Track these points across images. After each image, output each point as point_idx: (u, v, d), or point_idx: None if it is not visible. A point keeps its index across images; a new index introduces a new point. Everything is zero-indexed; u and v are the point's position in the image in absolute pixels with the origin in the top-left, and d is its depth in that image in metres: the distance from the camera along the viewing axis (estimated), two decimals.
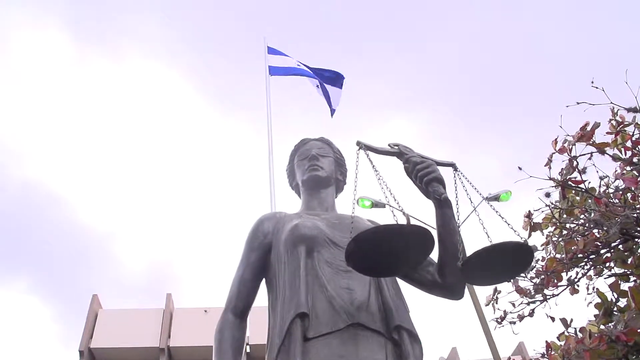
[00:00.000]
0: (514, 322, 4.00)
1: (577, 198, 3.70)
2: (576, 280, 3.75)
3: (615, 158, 3.42)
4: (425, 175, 1.82)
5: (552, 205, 3.73)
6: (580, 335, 3.31)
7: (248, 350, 17.97)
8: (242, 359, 1.90)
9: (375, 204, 10.46)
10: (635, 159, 3.35)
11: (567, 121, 3.52)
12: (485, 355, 9.26)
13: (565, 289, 3.77)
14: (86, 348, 18.54)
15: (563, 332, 3.52)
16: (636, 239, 3.39)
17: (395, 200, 1.73)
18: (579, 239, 3.57)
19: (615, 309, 3.39)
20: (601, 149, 3.38)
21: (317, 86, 8.71)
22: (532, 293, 3.89)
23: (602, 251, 3.59)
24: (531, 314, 3.93)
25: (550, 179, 3.59)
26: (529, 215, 3.83)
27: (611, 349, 3.03)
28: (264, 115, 7.33)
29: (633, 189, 3.35)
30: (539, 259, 3.92)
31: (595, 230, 3.55)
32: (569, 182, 3.56)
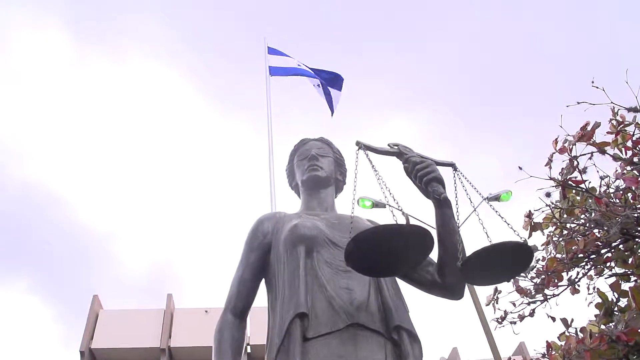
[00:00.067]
0: (515, 322, 3.99)
1: (578, 198, 3.70)
2: (577, 280, 3.75)
3: (615, 158, 3.42)
4: (424, 175, 1.82)
5: (553, 205, 3.73)
6: (580, 335, 3.30)
7: (249, 350, 17.98)
8: (243, 359, 1.90)
9: (376, 204, 10.46)
10: (635, 159, 3.35)
11: (568, 121, 3.52)
12: (486, 355, 9.25)
13: (565, 288, 3.77)
14: (87, 348, 18.55)
15: (564, 332, 3.52)
16: (637, 239, 3.39)
17: (394, 200, 1.73)
18: (580, 238, 3.57)
19: (615, 309, 3.39)
20: (602, 148, 3.37)
21: (318, 85, 8.71)
22: (533, 293, 3.89)
23: (603, 251, 3.58)
24: (532, 314, 3.92)
25: (551, 178, 3.59)
26: (529, 215, 3.83)
27: (612, 349, 3.03)
28: (264, 116, 7.33)
29: (634, 188, 3.35)
30: (539, 259, 3.92)
31: (595, 230, 3.54)
32: (570, 182, 3.56)
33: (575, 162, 3.45)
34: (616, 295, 3.42)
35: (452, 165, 1.96)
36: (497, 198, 10.23)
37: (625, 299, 3.35)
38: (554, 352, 3.45)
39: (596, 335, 3.06)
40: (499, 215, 1.80)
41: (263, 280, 2.07)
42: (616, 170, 3.53)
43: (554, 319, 3.73)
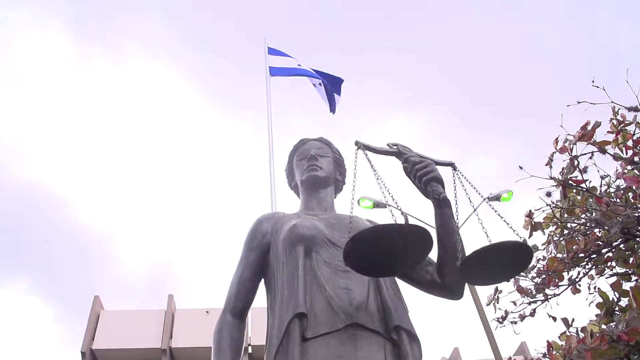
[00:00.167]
0: (515, 322, 3.99)
1: (578, 197, 3.69)
2: (577, 279, 3.74)
3: (616, 157, 3.41)
4: (424, 174, 1.82)
5: (553, 205, 3.73)
6: (581, 335, 3.30)
7: (250, 351, 17.99)
8: (244, 359, 1.90)
9: (377, 204, 10.45)
10: (636, 158, 3.34)
11: (568, 120, 3.52)
12: (488, 355, 9.25)
13: (566, 288, 3.76)
14: (88, 349, 18.55)
15: (564, 332, 3.51)
16: (637, 239, 3.38)
17: (393, 200, 1.72)
18: (580, 238, 3.57)
19: (616, 308, 3.38)
20: (602, 148, 3.37)
21: (320, 84, 8.73)
22: (534, 293, 3.88)
23: (604, 251, 3.58)
24: (532, 313, 3.92)
25: (551, 178, 3.59)
26: (529, 215, 3.82)
27: (612, 348, 3.02)
28: (264, 116, 7.33)
29: (634, 188, 3.34)
30: (540, 259, 3.91)
31: (596, 230, 3.54)
32: (570, 182, 3.55)
33: (576, 162, 3.45)
34: (617, 295, 3.41)
35: (451, 164, 1.96)
36: (497, 198, 10.22)
37: (626, 299, 3.35)
38: (554, 352, 3.45)
39: (597, 335, 3.06)
40: (499, 215, 1.80)
41: (262, 280, 2.07)
42: (617, 170, 3.53)
43: (554, 319, 3.73)
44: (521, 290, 3.90)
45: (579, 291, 3.76)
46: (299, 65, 8.78)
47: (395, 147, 1.94)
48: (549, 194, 3.72)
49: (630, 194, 3.47)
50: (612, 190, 3.60)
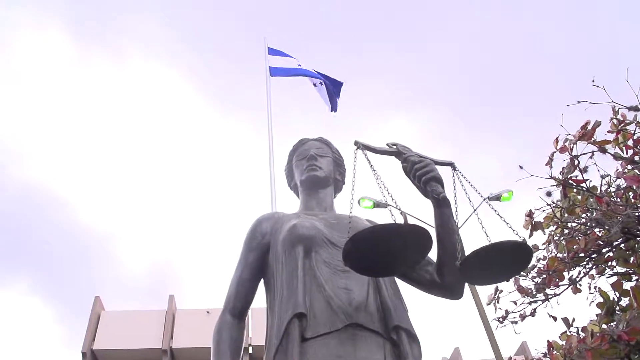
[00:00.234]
0: (516, 322, 3.98)
1: (579, 197, 3.69)
2: (578, 279, 3.74)
3: (616, 157, 3.41)
4: (423, 174, 1.81)
5: (554, 205, 3.72)
6: (582, 334, 3.30)
7: (250, 351, 18.00)
8: (244, 359, 1.90)
9: (377, 205, 10.45)
10: (636, 158, 3.34)
11: (568, 120, 3.51)
12: (488, 355, 9.24)
13: (567, 288, 3.76)
14: (89, 350, 18.55)
15: (565, 332, 3.51)
16: (638, 238, 3.38)
17: (392, 199, 1.72)
18: (581, 238, 3.56)
19: (617, 308, 3.38)
20: (602, 147, 3.36)
21: (321, 83, 8.74)
22: (534, 292, 3.88)
23: (604, 250, 3.57)
24: (533, 313, 3.91)
25: (552, 178, 3.58)
26: (530, 215, 3.82)
27: (613, 348, 3.02)
28: (264, 116, 7.34)
29: (635, 187, 3.34)
30: (540, 258, 3.91)
31: (597, 229, 3.53)
32: (570, 181, 3.55)
33: (576, 161, 3.44)
34: (617, 295, 3.41)
35: (451, 164, 1.96)
36: (498, 198, 10.21)
37: (627, 299, 3.34)
38: (555, 352, 3.44)
39: (597, 334, 3.05)
40: (498, 214, 1.79)
41: (262, 280, 2.07)
42: (617, 169, 3.53)
43: (555, 319, 3.73)
44: (521, 290, 3.89)
45: (579, 291, 3.76)
46: (299, 65, 8.79)
47: (394, 146, 1.94)
48: (549, 194, 3.71)
49: (630, 193, 3.47)
50: (612, 189, 3.60)
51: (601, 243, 3.52)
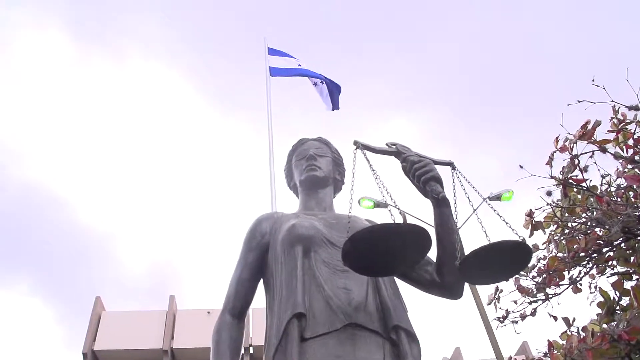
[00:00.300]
0: (516, 322, 3.98)
1: (579, 196, 3.69)
2: (578, 279, 3.73)
3: (616, 156, 3.40)
4: (423, 174, 1.81)
5: (554, 204, 3.72)
6: (582, 334, 3.29)
7: (251, 351, 18.00)
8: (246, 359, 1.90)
9: (378, 204, 10.44)
10: (636, 157, 3.33)
11: (568, 120, 3.51)
12: (489, 355, 9.23)
13: (567, 287, 3.76)
14: (89, 350, 18.56)
15: (565, 331, 3.51)
16: (638, 238, 3.37)
17: (392, 199, 1.72)
18: (581, 237, 3.56)
19: (617, 307, 3.38)
20: (602, 147, 3.36)
21: (322, 82, 8.75)
22: (534, 292, 3.88)
23: (604, 250, 3.57)
24: (533, 313, 3.91)
25: (552, 177, 3.58)
26: (530, 214, 3.81)
27: (613, 348, 3.01)
28: (265, 116, 7.33)
29: (635, 187, 3.34)
30: (540, 258, 3.91)
31: (597, 229, 3.53)
32: (571, 181, 3.55)
33: (576, 161, 3.44)
34: (618, 294, 3.40)
35: (450, 164, 1.95)
36: (498, 197, 10.20)
37: (627, 298, 3.34)
38: (555, 352, 3.44)
39: (598, 334, 3.05)
40: (498, 214, 1.79)
41: (262, 280, 2.07)
42: (617, 169, 3.52)
43: (555, 318, 3.72)
44: (522, 290, 3.89)
45: (580, 290, 3.75)
46: (299, 65, 8.80)
47: (394, 146, 1.94)
48: (549, 193, 3.71)
49: (631, 192, 3.46)
50: (612, 189, 3.60)
51: (601, 242, 3.51)
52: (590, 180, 3.52)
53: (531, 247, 2.90)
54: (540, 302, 3.88)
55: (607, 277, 3.69)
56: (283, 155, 2.56)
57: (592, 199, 3.54)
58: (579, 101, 3.44)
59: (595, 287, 3.65)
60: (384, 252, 1.51)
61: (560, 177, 3.56)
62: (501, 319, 4.05)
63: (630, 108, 3.34)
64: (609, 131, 3.43)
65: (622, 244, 3.48)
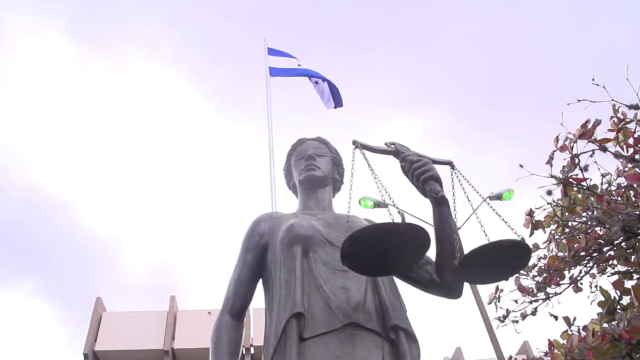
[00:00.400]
0: (517, 321, 3.98)
1: (579, 196, 3.68)
2: (579, 278, 3.73)
3: (617, 155, 3.40)
4: (422, 173, 1.81)
5: (554, 203, 3.71)
6: (583, 333, 3.29)
7: (252, 352, 18.00)
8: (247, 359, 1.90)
9: (378, 204, 10.44)
10: (637, 156, 3.33)
11: (568, 119, 3.51)
12: (490, 354, 9.23)
13: (567, 287, 3.75)
14: (90, 351, 18.57)
15: (566, 331, 3.50)
16: (639, 237, 3.37)
17: (390, 198, 1.71)
18: (581, 236, 3.56)
19: (618, 307, 3.37)
20: (603, 146, 3.35)
21: (323, 81, 8.75)
22: (535, 291, 3.87)
23: (605, 249, 3.57)
24: (534, 312, 3.91)
25: (552, 176, 3.57)
26: (530, 214, 3.81)
27: (614, 347, 3.01)
28: (265, 116, 7.33)
29: (635, 186, 3.33)
30: (541, 257, 3.90)
31: (597, 228, 3.52)
32: (571, 180, 3.54)
33: (577, 160, 3.43)
34: (619, 294, 3.40)
35: (449, 163, 1.95)
36: (499, 197, 10.20)
37: (628, 297, 3.34)
38: (556, 351, 3.43)
39: (599, 333, 3.05)
40: (497, 213, 1.79)
41: (261, 280, 2.06)
42: (617, 168, 3.52)
43: (556, 318, 3.72)
44: (522, 289, 3.89)
45: (580, 290, 3.75)
46: (299, 65, 8.80)
47: (392, 146, 1.93)
48: (549, 193, 3.70)
49: (631, 192, 3.46)
50: (613, 188, 3.59)
51: (602, 242, 3.51)
52: (591, 180, 3.51)
53: (530, 246, 2.90)
54: (540, 301, 3.88)
55: (608, 276, 3.69)
56: (283, 156, 2.56)
57: (592, 198, 3.53)
58: (579, 100, 3.43)
59: (596, 286, 3.65)
60: (383, 251, 1.51)
61: (561, 176, 3.56)
62: (502, 319, 4.05)
63: (630, 107, 3.33)
64: (609, 130, 3.42)
65: (623, 243, 3.48)
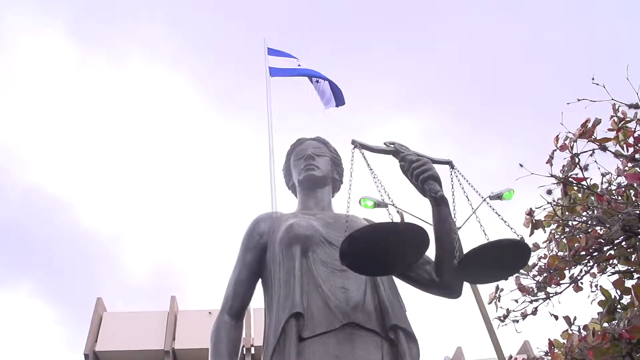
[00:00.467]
0: (517, 321, 3.98)
1: (579, 195, 3.68)
2: (579, 277, 3.73)
3: (617, 154, 3.40)
4: (421, 173, 1.81)
5: (554, 203, 3.71)
6: (583, 333, 3.29)
7: (253, 352, 18.01)
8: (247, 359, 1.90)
9: (378, 204, 10.44)
10: (637, 155, 3.32)
11: (568, 118, 3.50)
12: (491, 354, 9.23)
13: (568, 286, 3.75)
14: (91, 351, 18.57)
15: (566, 330, 3.50)
16: (639, 236, 3.37)
17: (389, 198, 1.71)
18: (582, 236, 3.55)
19: (618, 306, 3.37)
20: (603, 145, 3.35)
21: (324, 79, 8.75)
22: (535, 291, 3.87)
23: (605, 248, 3.56)
24: (534, 312, 3.91)
25: (552, 176, 3.57)
26: (530, 213, 3.81)
27: (614, 346, 3.01)
28: (265, 116, 7.34)
29: (635, 185, 3.33)
30: (541, 257, 3.90)
31: (597, 228, 3.52)
32: (571, 179, 3.54)
33: (577, 159, 3.43)
34: (619, 293, 3.40)
35: (448, 163, 1.95)
36: (499, 197, 10.20)
37: (628, 297, 3.34)
38: (556, 350, 3.43)
39: (599, 333, 3.05)
40: (496, 212, 1.78)
41: (260, 280, 2.06)
42: (618, 167, 3.52)
43: (556, 317, 3.72)
44: (523, 289, 3.89)
45: (580, 289, 3.75)
46: (299, 65, 8.80)
47: (392, 145, 1.93)
48: (549, 192, 3.70)
49: (631, 191, 3.45)
50: (613, 187, 3.59)
51: (602, 241, 3.51)
52: (591, 179, 3.51)
53: (530, 245, 2.90)
54: (541, 301, 3.87)
55: (608, 275, 3.69)
56: (283, 156, 2.56)
57: (592, 198, 3.53)
58: (579, 99, 3.43)
59: (596, 285, 3.64)
60: (382, 251, 1.51)
61: (561, 175, 3.55)
62: (502, 318, 4.05)
63: (630, 106, 3.33)
64: (609, 129, 3.42)
65: (623, 243, 3.47)
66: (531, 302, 3.91)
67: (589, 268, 3.71)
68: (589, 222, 3.57)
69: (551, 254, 3.78)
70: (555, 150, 3.52)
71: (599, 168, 3.50)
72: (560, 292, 3.79)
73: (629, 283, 3.44)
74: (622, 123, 3.38)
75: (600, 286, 3.55)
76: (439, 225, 1.82)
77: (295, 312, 1.66)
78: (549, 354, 3.53)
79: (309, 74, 8.85)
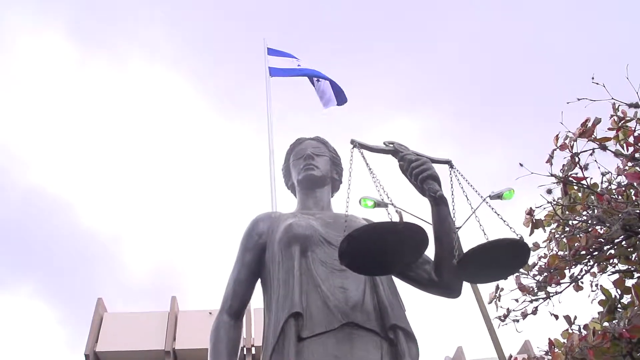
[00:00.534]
0: (517, 320, 3.98)
1: (579, 194, 3.68)
2: (579, 277, 3.73)
3: (617, 154, 3.39)
4: (420, 172, 1.80)
5: (554, 202, 3.71)
6: (583, 332, 3.29)
7: (253, 352, 18.01)
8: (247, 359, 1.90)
9: (378, 204, 10.44)
10: (637, 155, 3.32)
11: (569, 118, 3.50)
12: (491, 353, 9.23)
13: (568, 286, 3.75)
14: (92, 351, 18.58)
15: (566, 330, 3.50)
16: (639, 235, 3.36)
17: (388, 197, 1.71)
18: (582, 235, 3.55)
19: (619, 305, 3.37)
20: (603, 144, 3.35)
21: (322, 80, 8.75)
22: (535, 290, 3.87)
23: (605, 248, 3.56)
24: (534, 311, 3.91)
25: (552, 175, 3.57)
26: (530, 212, 3.81)
27: (615, 346, 3.01)
28: (265, 116, 7.33)
29: (635, 184, 3.33)
30: (541, 256, 3.90)
31: (597, 227, 3.52)
32: (571, 179, 3.54)
33: (577, 159, 3.43)
34: (619, 292, 3.40)
35: (448, 162, 1.95)
36: (499, 196, 10.19)
37: (629, 296, 3.34)
38: (556, 350, 3.43)
39: (599, 332, 3.05)
40: (496, 212, 1.78)
41: (259, 280, 2.06)
42: (618, 167, 3.51)
43: (557, 317, 3.72)
44: (523, 288, 3.89)
45: (581, 288, 3.75)
46: (298, 65, 8.79)
47: (391, 145, 1.93)
48: (549, 191, 3.70)
49: (631, 190, 3.45)
50: (613, 187, 3.59)
51: (602, 240, 3.51)
52: (591, 178, 3.51)
53: (530, 245, 2.89)
54: (541, 300, 3.88)
55: (608, 275, 3.69)
56: (283, 156, 2.56)
57: (592, 197, 3.53)
58: (578, 99, 3.43)
59: (597, 285, 3.64)
60: (381, 250, 1.50)
61: (561, 175, 3.55)
62: (502, 318, 4.05)
63: (630, 105, 3.33)
64: (609, 129, 3.42)
65: (623, 242, 3.47)
66: (531, 301, 3.92)
67: (589, 267, 3.71)
68: (589, 222, 3.57)
69: (551, 253, 3.78)
70: (555, 149, 3.52)
71: (599, 167, 3.51)
72: (561, 292, 3.80)
73: (629, 282, 3.44)
74: (622, 122, 3.38)
75: (601, 285, 3.55)
76: (439, 224, 1.81)
77: (294, 312, 1.66)
78: (550, 354, 3.53)
79: (309, 74, 8.85)
